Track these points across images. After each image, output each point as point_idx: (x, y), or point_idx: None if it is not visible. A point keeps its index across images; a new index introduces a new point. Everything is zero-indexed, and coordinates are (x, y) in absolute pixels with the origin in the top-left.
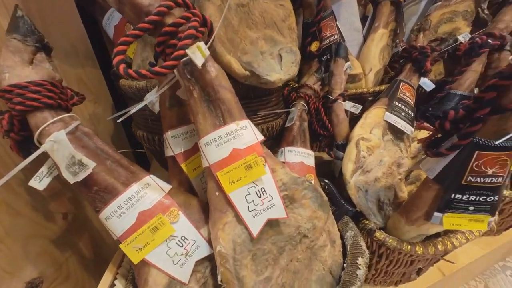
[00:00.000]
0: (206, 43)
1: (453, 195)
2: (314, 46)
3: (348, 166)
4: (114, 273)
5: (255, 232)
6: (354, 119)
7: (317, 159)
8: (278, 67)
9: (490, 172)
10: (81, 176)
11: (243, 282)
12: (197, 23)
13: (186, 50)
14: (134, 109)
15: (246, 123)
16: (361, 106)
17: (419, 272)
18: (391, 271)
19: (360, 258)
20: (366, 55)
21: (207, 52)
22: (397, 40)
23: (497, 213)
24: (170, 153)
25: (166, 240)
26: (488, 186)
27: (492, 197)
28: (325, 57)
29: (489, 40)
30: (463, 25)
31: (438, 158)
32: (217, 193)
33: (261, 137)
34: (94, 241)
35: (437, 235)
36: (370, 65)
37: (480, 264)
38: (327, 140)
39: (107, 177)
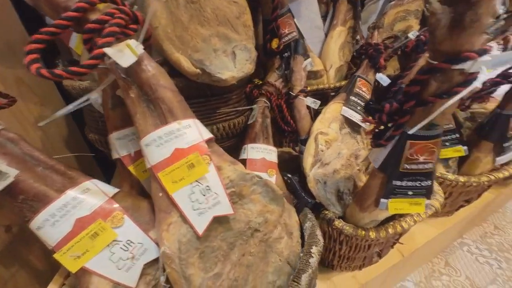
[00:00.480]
0: (146, 41)
1: (394, 182)
2: (274, 44)
3: (307, 160)
4: (60, 284)
5: (200, 230)
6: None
7: (288, 154)
8: (232, 64)
9: (421, 159)
10: (1, 185)
11: (190, 281)
12: (122, 20)
13: (107, 49)
14: (64, 111)
15: (190, 122)
16: (319, 102)
17: (380, 255)
18: (353, 257)
19: (314, 247)
20: (326, 52)
21: (140, 51)
22: (358, 37)
23: (442, 195)
24: (116, 156)
25: (108, 245)
26: (421, 172)
27: (426, 182)
28: (285, 54)
29: None
30: (415, 23)
31: (381, 148)
32: (160, 194)
33: (208, 136)
34: (47, 252)
35: (391, 219)
36: (330, 61)
37: (437, 243)
38: (293, 136)
39: (35, 185)
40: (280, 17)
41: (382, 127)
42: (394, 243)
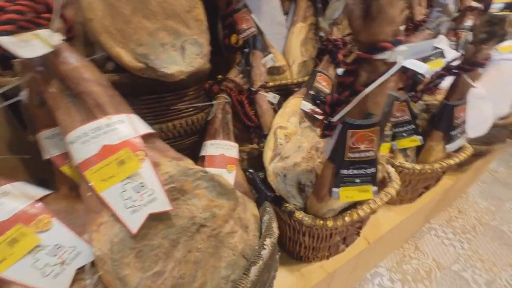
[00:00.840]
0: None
1: (341, 171)
2: (233, 39)
3: (267, 154)
4: None
5: (134, 229)
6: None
7: (258, 151)
8: (180, 59)
9: (362, 147)
10: None
11: (125, 281)
12: (26, 7)
13: (2, 38)
14: None
15: (123, 117)
16: (279, 97)
17: (345, 243)
18: (318, 247)
19: (268, 239)
20: (288, 48)
21: (56, 41)
22: (321, 34)
23: (398, 182)
24: (47, 156)
25: (30, 252)
26: (364, 160)
27: (370, 169)
28: (246, 50)
29: None
30: None
31: (329, 139)
32: (89, 194)
33: (146, 131)
34: None
35: (351, 207)
36: (292, 57)
37: (402, 229)
38: (257, 131)
39: None
40: (236, 12)
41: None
42: (359, 231)
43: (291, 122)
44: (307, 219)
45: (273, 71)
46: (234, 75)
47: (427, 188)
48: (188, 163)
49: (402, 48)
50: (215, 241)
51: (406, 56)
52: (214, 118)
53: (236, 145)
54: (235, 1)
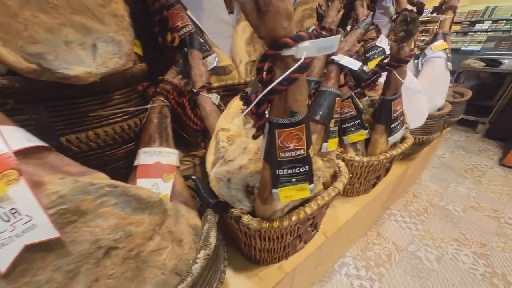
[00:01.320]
0: None
1: (277, 171)
2: (169, 37)
3: (208, 159)
4: None
5: (3, 267)
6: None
7: None
8: (90, 59)
9: (292, 146)
10: None
11: None
12: None
13: None
14: None
15: None
16: (219, 97)
17: (303, 240)
18: (272, 248)
19: (202, 251)
20: (234, 48)
21: None
22: None
23: (347, 176)
24: None
25: None
26: (296, 159)
27: (304, 168)
28: (184, 49)
29: (322, 32)
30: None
31: (263, 140)
32: None
33: (26, 145)
34: None
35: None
36: (239, 57)
37: (360, 219)
38: (207, 134)
39: None
40: (168, 9)
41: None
42: (316, 227)
43: (235, 123)
44: (253, 222)
45: (219, 71)
46: (172, 76)
47: (378, 178)
48: (94, 177)
49: (305, 44)
50: (135, 263)
51: (310, 52)
52: (148, 124)
53: (175, 151)
54: None
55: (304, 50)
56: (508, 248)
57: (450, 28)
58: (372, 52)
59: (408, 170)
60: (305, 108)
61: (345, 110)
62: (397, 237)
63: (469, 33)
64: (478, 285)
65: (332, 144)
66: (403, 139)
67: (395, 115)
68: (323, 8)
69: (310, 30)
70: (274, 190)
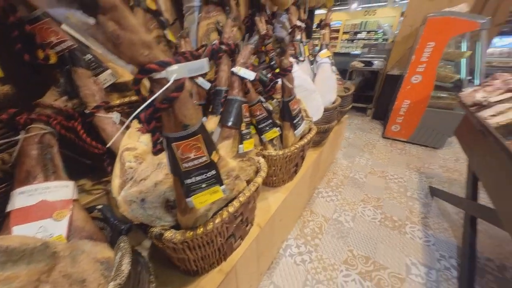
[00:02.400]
0: None
1: (185, 181)
2: (41, 54)
3: (114, 183)
4: None
5: None
6: None
7: None
8: None
9: (192, 156)
10: None
11: None
12: None
13: None
14: None
15: None
16: (119, 115)
17: (239, 237)
18: (205, 255)
19: (111, 283)
20: None
21: None
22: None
23: (265, 170)
24: None
25: None
26: (200, 166)
27: (211, 172)
28: (66, 67)
29: (221, 47)
30: None
31: (166, 154)
32: None
33: None
34: None
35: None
36: None
37: (290, 203)
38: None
39: None
40: (32, 23)
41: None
42: (248, 223)
43: (142, 141)
44: (177, 235)
45: (121, 87)
46: (53, 98)
47: (297, 166)
48: None
49: (174, 67)
50: None
51: (180, 74)
52: (23, 158)
53: (69, 183)
54: (21, 9)
55: (174, 73)
56: (392, 197)
57: (330, 39)
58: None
59: (322, 154)
60: (196, 120)
61: (258, 113)
62: (325, 210)
63: (354, 41)
64: (378, 229)
65: (247, 145)
66: (309, 130)
67: (294, 112)
68: (221, 24)
69: (212, 44)
70: (187, 199)
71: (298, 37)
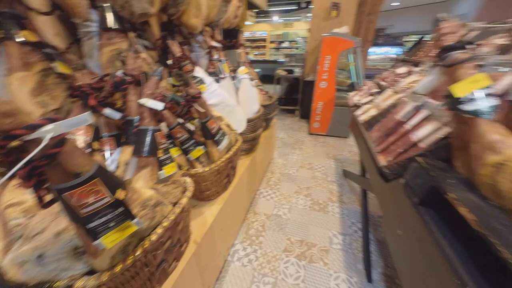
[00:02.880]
0: None
1: (88, 226)
2: None
3: None
4: None
5: None
6: None
7: None
8: None
9: (91, 200)
10: None
11: None
12: None
13: None
14: None
15: None
16: None
17: (173, 261)
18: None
19: None
20: (15, 101)
21: None
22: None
23: (191, 189)
24: None
25: None
26: (103, 207)
27: (118, 209)
28: None
29: (125, 78)
30: None
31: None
32: None
33: None
34: None
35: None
36: (27, 112)
37: (228, 211)
38: None
39: None
40: None
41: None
42: (181, 243)
43: (30, 192)
44: (90, 281)
45: None
46: None
47: (228, 176)
48: None
49: (48, 127)
50: None
51: (59, 131)
52: None
53: None
54: None
55: (50, 132)
56: (318, 184)
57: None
58: (195, 80)
59: (255, 159)
60: (90, 166)
61: (179, 135)
62: (266, 208)
63: (280, 49)
64: (309, 214)
65: (169, 169)
66: (236, 141)
67: (214, 131)
68: (123, 55)
69: (114, 76)
70: (96, 242)
71: (215, 56)
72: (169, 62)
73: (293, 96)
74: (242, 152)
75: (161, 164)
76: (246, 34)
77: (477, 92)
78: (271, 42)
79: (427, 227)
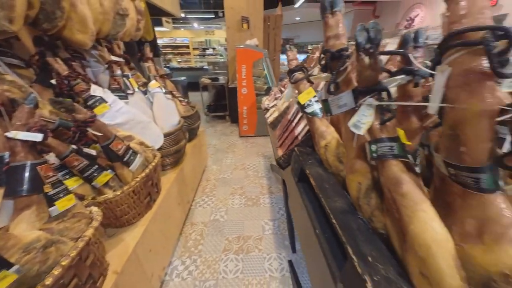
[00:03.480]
0: None
1: None
2: None
3: None
4: None
5: None
6: None
7: None
8: None
9: None
10: None
11: None
12: None
13: None
14: None
15: None
16: None
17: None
18: None
19: None
20: None
21: None
22: None
23: (99, 219)
24: None
25: None
26: None
27: None
28: None
29: None
30: None
31: None
32: None
33: None
34: None
35: None
36: None
37: (156, 231)
38: None
39: None
40: None
41: None
42: (94, 279)
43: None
44: None
45: None
46: None
47: (150, 194)
48: None
49: None
50: None
51: None
52: None
53: None
54: None
55: None
56: (250, 181)
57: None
58: (93, 100)
59: (183, 170)
60: None
61: (75, 164)
62: (203, 216)
63: (205, 56)
64: (243, 211)
65: (64, 203)
66: (154, 157)
67: (120, 152)
68: None
69: None
70: None
71: (118, 72)
72: (54, 81)
73: (222, 102)
74: (167, 166)
75: (51, 200)
76: (165, 41)
77: (312, 99)
78: (195, 49)
79: (301, 197)
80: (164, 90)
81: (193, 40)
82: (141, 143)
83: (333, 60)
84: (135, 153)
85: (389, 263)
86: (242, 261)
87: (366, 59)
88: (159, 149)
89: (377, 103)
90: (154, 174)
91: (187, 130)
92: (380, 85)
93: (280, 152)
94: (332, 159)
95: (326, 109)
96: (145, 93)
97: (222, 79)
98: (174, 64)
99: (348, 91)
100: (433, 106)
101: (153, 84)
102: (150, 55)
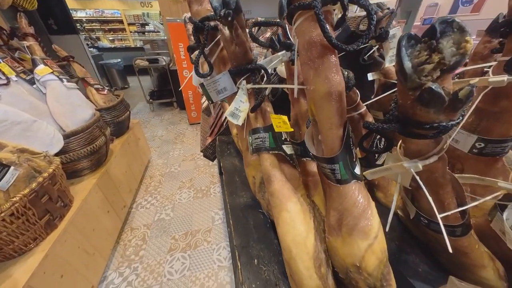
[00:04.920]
0: None
1: None
2: None
3: None
4: None
5: None
6: None
7: None
8: None
9: None
10: None
11: None
12: None
13: None
14: None
15: None
16: None
17: None
18: None
19: None
20: None
21: None
22: None
23: None
24: None
25: None
26: None
27: None
28: None
29: None
30: None
31: None
32: None
33: None
34: None
35: None
36: None
37: (70, 250)
38: None
39: None
40: None
41: None
42: None
43: None
44: None
45: None
46: None
47: (50, 212)
48: None
49: None
50: None
51: None
52: None
53: None
54: None
55: None
56: (200, 171)
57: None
58: None
59: (110, 172)
60: None
61: None
62: (146, 219)
63: (145, 33)
64: (193, 204)
65: None
66: (50, 164)
67: None
68: None
69: None
70: None
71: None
72: None
73: (167, 87)
74: (83, 171)
75: None
76: (89, 13)
77: None
78: (130, 24)
79: (222, 191)
80: (62, 77)
81: (127, 14)
82: (22, 150)
83: (198, 33)
84: (4, 166)
85: (275, 261)
86: (190, 257)
87: (226, 31)
88: (61, 153)
89: (249, 86)
90: (51, 187)
91: (112, 124)
92: (252, 63)
93: (209, 141)
94: (242, 144)
95: (207, 95)
96: (31, 82)
97: (163, 61)
98: (104, 43)
99: (225, 72)
100: (295, 88)
101: (41, 70)
102: (30, 30)
